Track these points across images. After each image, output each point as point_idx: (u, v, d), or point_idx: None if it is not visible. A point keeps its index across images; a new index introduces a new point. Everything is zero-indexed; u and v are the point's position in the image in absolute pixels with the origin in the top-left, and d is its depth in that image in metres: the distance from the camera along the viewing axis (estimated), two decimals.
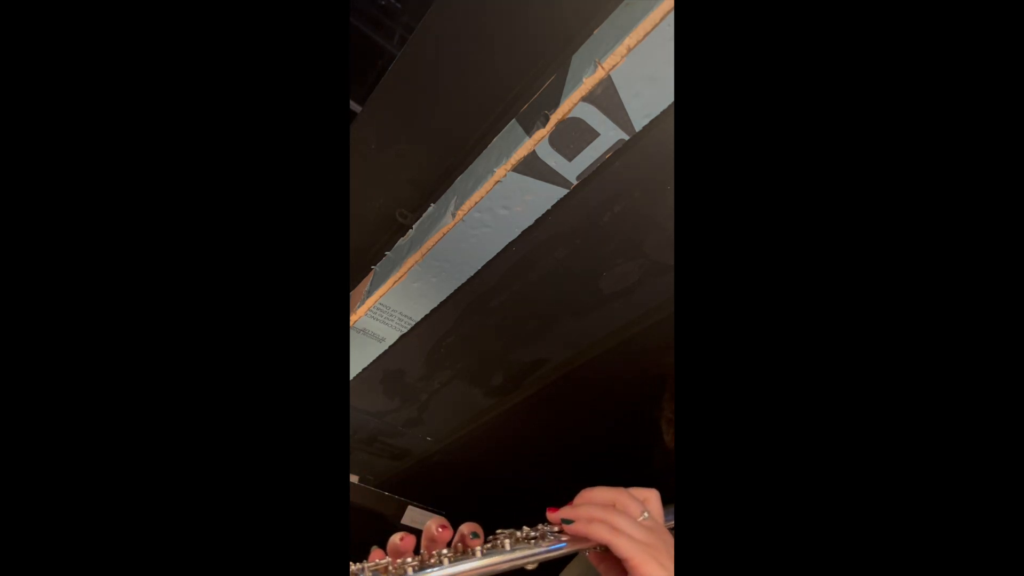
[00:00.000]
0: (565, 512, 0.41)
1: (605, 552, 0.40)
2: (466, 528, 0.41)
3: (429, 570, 0.39)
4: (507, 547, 0.40)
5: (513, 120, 0.52)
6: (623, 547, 0.38)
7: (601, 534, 0.39)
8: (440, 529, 0.40)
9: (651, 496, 0.43)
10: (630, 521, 0.40)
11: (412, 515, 1.03)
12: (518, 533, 0.42)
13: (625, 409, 0.78)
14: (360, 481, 1.02)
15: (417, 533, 0.41)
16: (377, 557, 0.40)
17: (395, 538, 0.41)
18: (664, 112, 0.46)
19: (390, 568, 0.39)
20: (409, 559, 0.40)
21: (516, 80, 0.51)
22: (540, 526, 0.42)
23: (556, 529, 0.42)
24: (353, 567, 0.39)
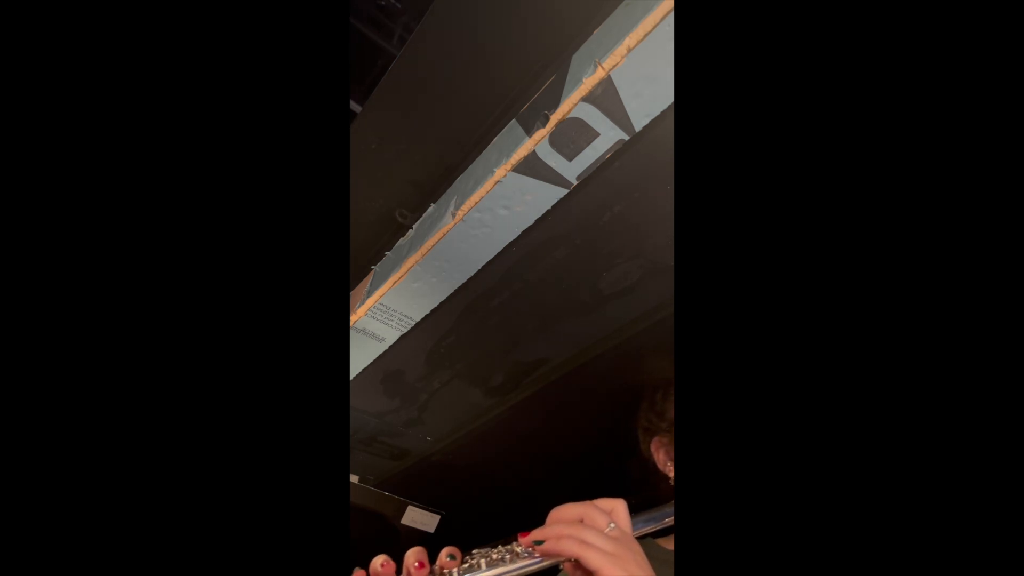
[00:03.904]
0: (535, 534, 0.43)
1: (579, 563, 0.42)
2: (444, 553, 0.43)
3: None
4: (483, 567, 0.42)
5: (513, 120, 0.52)
6: (592, 559, 0.39)
7: (571, 548, 0.40)
8: (417, 565, 0.41)
9: (618, 507, 0.44)
10: (597, 534, 0.41)
11: (412, 515, 1.03)
12: (493, 552, 0.43)
13: (624, 408, 0.78)
14: (360, 481, 1.02)
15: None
16: None
17: (376, 562, 0.42)
18: (664, 112, 0.46)
19: None
20: None
21: (516, 80, 0.51)
22: (514, 543, 0.44)
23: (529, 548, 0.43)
24: None
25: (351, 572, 0.40)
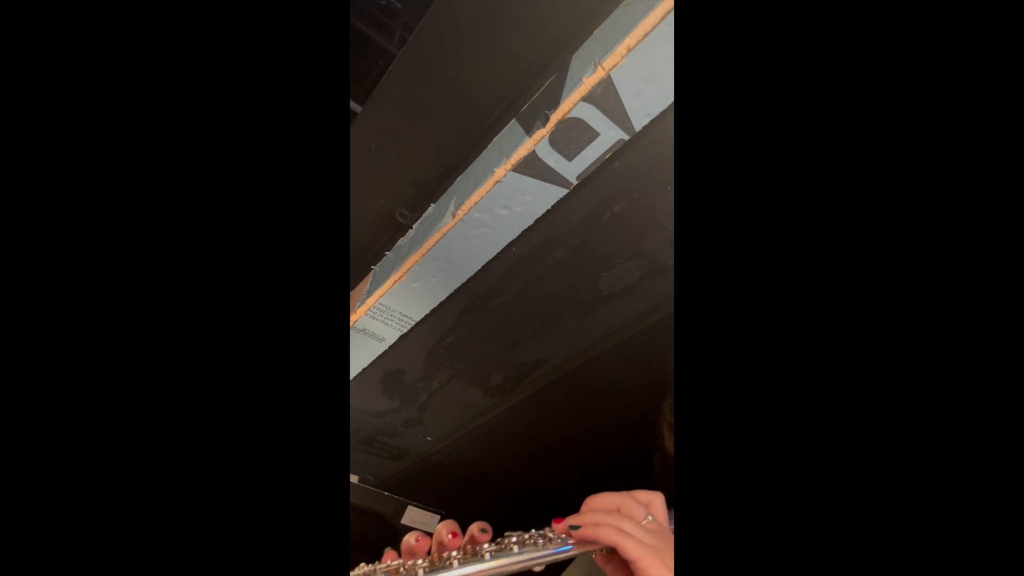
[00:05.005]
0: (571, 519, 0.42)
1: (612, 554, 0.41)
2: (475, 527, 0.42)
3: (440, 572, 0.40)
4: (515, 549, 0.41)
5: (513, 120, 0.52)
6: (630, 549, 0.39)
7: (609, 536, 0.40)
8: (451, 536, 0.41)
9: (655, 499, 0.44)
10: (635, 524, 0.41)
11: (412, 515, 1.03)
12: (525, 535, 0.42)
13: (624, 408, 0.78)
14: (360, 481, 1.02)
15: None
16: (391, 559, 0.41)
17: (409, 538, 0.42)
18: (664, 112, 0.46)
19: (401, 569, 0.40)
20: (420, 560, 0.40)
21: (516, 80, 0.51)
22: (547, 529, 0.43)
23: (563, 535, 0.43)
24: (366, 567, 0.39)
25: (350, 572, 0.39)
